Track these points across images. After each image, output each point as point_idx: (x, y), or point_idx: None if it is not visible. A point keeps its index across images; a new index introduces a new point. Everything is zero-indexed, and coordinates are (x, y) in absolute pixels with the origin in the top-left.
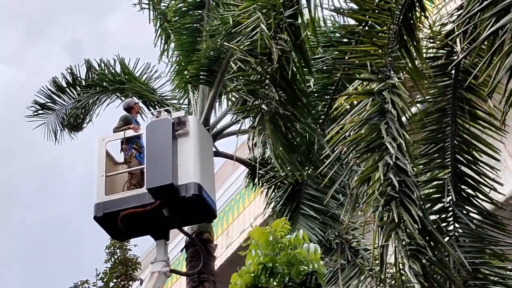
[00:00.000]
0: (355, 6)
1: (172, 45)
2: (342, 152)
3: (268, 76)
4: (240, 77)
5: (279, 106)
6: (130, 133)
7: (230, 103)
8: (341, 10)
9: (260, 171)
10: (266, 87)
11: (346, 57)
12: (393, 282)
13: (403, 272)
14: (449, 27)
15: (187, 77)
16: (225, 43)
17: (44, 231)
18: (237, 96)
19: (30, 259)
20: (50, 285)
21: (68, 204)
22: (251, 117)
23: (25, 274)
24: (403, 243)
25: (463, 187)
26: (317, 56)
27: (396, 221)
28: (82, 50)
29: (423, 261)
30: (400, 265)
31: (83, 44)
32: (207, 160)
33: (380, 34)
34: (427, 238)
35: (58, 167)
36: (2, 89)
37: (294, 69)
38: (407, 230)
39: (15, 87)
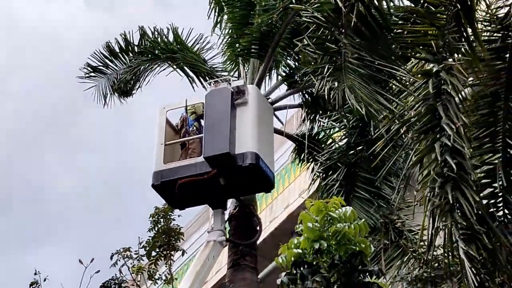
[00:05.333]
0: None
1: (225, 17)
2: (396, 133)
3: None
4: (310, 37)
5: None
6: (191, 101)
7: (280, 77)
8: None
9: (311, 150)
10: (342, 37)
11: (402, 36)
12: (436, 264)
13: (450, 254)
14: (505, 10)
15: (238, 50)
16: (291, 5)
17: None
18: (306, 55)
19: None
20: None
21: None
22: (325, 73)
23: None
24: (458, 226)
25: None
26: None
27: (451, 202)
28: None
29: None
30: (449, 247)
31: None
32: (266, 130)
33: (438, 14)
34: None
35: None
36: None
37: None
38: (462, 213)
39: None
